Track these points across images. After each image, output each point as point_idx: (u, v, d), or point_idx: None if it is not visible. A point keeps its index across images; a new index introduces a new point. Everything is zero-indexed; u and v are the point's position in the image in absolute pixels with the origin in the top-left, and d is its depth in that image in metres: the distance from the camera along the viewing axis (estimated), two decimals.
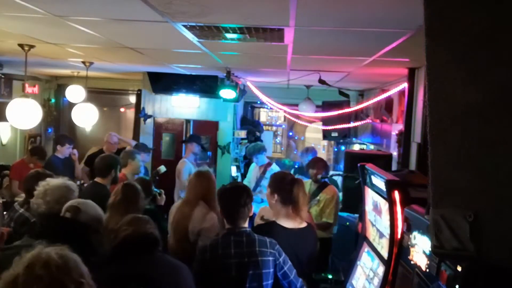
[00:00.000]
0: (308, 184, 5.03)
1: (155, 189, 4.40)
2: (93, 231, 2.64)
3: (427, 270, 2.08)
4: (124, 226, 2.47)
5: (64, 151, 6.24)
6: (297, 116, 8.73)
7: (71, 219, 2.63)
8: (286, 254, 3.01)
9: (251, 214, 2.94)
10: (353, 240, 4.03)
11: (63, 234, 2.31)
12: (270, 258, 2.76)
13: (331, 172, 6.76)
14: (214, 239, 2.86)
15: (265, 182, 5.93)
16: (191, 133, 7.79)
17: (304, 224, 3.21)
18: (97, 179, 4.32)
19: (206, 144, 7.50)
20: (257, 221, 3.54)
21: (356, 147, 8.39)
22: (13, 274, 1.39)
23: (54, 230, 2.43)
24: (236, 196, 2.87)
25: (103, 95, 9.17)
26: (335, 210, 4.83)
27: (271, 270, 2.77)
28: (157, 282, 2.30)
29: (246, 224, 2.87)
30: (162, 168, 5.87)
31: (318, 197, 4.80)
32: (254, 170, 6.38)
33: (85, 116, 6.11)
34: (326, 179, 5.05)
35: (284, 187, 3.18)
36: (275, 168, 6.14)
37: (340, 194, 5.89)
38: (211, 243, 2.84)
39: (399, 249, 2.55)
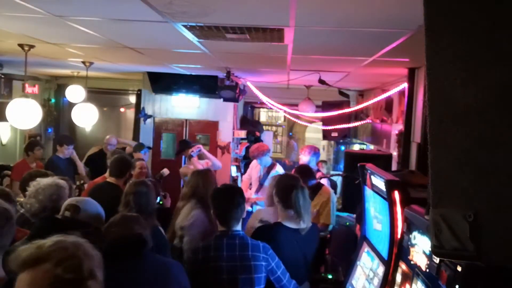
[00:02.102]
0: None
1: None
2: (92, 229, 2.63)
3: (427, 270, 2.08)
4: (112, 227, 2.44)
5: (64, 152, 6.27)
6: (297, 116, 8.74)
7: (68, 219, 2.63)
8: (293, 255, 3.00)
9: (244, 216, 2.93)
10: (353, 240, 4.03)
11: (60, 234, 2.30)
12: (263, 263, 2.76)
13: (331, 172, 6.76)
14: (207, 241, 2.85)
15: (268, 183, 5.89)
16: (186, 138, 7.79)
17: (309, 224, 3.21)
18: (110, 179, 4.32)
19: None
20: (256, 224, 3.51)
21: (356, 147, 8.39)
22: (42, 242, 1.46)
23: (50, 231, 2.41)
24: (229, 197, 2.86)
25: (103, 95, 9.17)
26: (332, 211, 4.82)
27: (263, 274, 2.76)
28: (145, 284, 2.29)
29: (239, 226, 2.87)
30: (166, 171, 5.89)
31: (315, 210, 4.75)
32: (255, 167, 6.32)
33: (85, 116, 6.12)
34: (326, 178, 5.04)
35: (284, 192, 3.18)
36: (279, 169, 6.06)
37: (336, 196, 5.87)
38: (203, 244, 2.83)
39: (399, 249, 2.55)
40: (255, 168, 6.30)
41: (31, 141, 6.80)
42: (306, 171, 4.93)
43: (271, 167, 6.10)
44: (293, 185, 3.18)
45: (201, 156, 6.22)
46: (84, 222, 2.61)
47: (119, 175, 4.30)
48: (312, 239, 3.25)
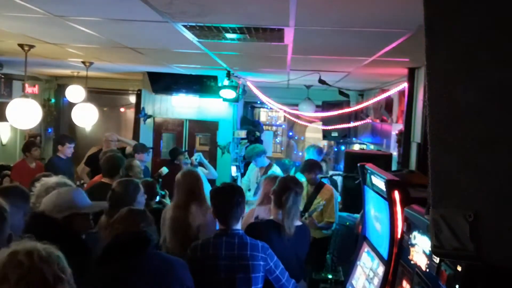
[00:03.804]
0: (304, 185, 5.02)
1: (160, 191, 4.43)
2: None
3: (427, 270, 2.08)
4: (116, 223, 2.41)
5: (66, 151, 6.25)
6: (297, 116, 8.73)
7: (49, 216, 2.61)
8: (285, 253, 3.01)
9: (243, 215, 2.94)
10: (353, 240, 4.02)
11: (51, 232, 2.29)
12: (261, 263, 2.76)
13: (331, 172, 6.76)
14: (206, 239, 2.86)
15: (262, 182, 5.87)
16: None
17: (299, 223, 3.23)
18: (105, 180, 4.32)
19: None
20: (251, 221, 3.52)
21: (356, 147, 8.39)
22: None
23: (40, 229, 2.40)
24: (228, 196, 2.86)
25: (103, 95, 9.17)
26: (334, 208, 4.84)
27: (261, 274, 2.77)
28: (146, 282, 2.28)
29: (239, 225, 2.87)
30: (164, 170, 5.88)
31: (323, 202, 4.77)
32: (254, 170, 6.31)
33: (85, 116, 6.11)
34: (326, 179, 5.04)
35: (279, 191, 3.22)
36: (275, 169, 6.05)
37: (338, 195, 5.85)
38: (202, 242, 2.83)
39: (399, 249, 2.55)
40: (253, 171, 6.27)
41: (28, 141, 6.79)
42: (315, 164, 4.98)
43: (268, 167, 6.07)
44: (289, 187, 3.20)
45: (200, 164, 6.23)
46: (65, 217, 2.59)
47: (111, 175, 4.31)
48: (303, 239, 3.26)
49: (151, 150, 6.68)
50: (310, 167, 4.95)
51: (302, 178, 5.32)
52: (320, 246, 4.68)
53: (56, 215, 2.59)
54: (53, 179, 3.15)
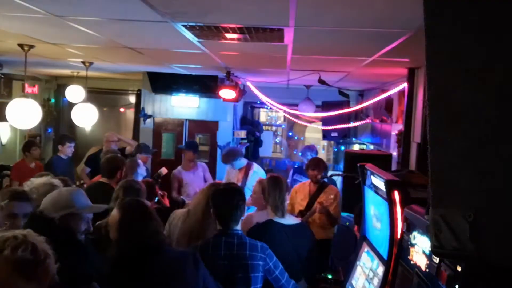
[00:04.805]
0: (307, 185, 5.02)
1: (159, 192, 4.44)
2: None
3: (427, 270, 2.08)
4: (115, 232, 2.35)
5: (66, 150, 6.25)
6: (297, 116, 8.73)
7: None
8: (284, 250, 3.02)
9: (243, 216, 2.94)
10: (353, 240, 4.02)
11: (47, 232, 2.29)
12: (260, 263, 2.77)
13: (331, 172, 6.76)
14: (205, 240, 2.86)
15: (250, 185, 5.47)
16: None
17: (297, 220, 3.25)
18: (103, 180, 4.33)
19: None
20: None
21: (356, 147, 8.40)
22: None
23: (37, 228, 2.40)
24: (229, 197, 2.86)
25: (103, 95, 9.18)
26: (339, 208, 4.82)
27: (260, 274, 2.77)
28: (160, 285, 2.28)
29: (239, 226, 2.87)
30: (163, 171, 5.88)
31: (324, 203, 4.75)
32: (233, 173, 5.83)
33: (85, 116, 6.12)
34: (326, 179, 5.04)
35: (263, 188, 3.35)
36: (257, 169, 5.76)
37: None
38: (202, 243, 2.83)
39: (399, 249, 2.55)
40: (232, 173, 5.87)
41: (28, 141, 6.79)
42: (320, 162, 4.95)
43: (247, 167, 5.72)
44: (267, 180, 3.34)
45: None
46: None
47: (110, 176, 4.31)
48: (304, 237, 3.28)
49: (152, 153, 6.66)
50: (315, 164, 4.90)
51: (301, 179, 5.32)
52: (321, 248, 4.65)
53: (53, 214, 2.58)
54: (39, 180, 3.14)
